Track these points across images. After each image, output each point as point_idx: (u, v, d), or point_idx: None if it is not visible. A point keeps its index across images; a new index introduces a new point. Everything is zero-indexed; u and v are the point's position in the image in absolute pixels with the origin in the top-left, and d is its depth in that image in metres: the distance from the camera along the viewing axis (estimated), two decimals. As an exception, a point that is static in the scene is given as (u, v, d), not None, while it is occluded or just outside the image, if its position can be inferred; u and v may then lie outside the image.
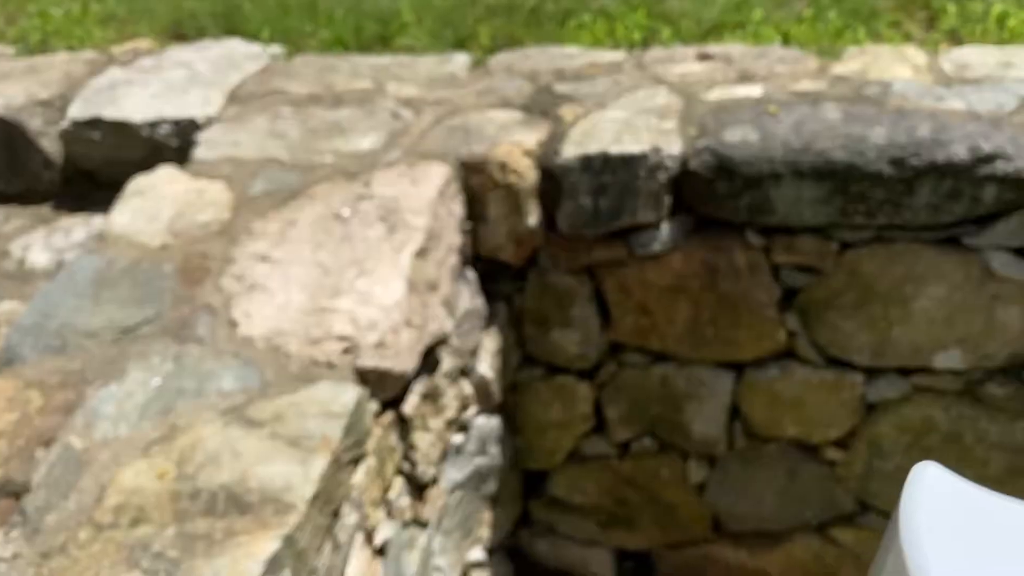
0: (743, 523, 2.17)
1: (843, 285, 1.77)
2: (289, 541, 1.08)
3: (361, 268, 1.49)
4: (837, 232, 1.71)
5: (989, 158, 1.56)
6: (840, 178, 1.62)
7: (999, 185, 1.56)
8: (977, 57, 1.96)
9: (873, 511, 2.08)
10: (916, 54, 2.01)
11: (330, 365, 1.33)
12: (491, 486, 2.03)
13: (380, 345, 1.37)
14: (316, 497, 1.16)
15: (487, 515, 2.06)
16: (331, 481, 1.21)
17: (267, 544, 1.05)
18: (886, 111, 1.70)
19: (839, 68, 1.97)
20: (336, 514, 1.26)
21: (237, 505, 1.10)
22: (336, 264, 1.51)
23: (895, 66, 1.94)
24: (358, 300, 1.42)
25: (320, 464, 1.18)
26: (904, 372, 1.86)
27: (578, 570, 2.38)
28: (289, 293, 1.47)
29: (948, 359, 1.80)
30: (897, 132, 1.61)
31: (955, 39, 2.16)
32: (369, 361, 1.34)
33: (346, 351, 1.35)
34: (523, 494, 2.28)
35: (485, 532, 2.07)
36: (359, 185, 1.69)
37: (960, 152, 1.57)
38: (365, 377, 1.34)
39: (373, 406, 1.37)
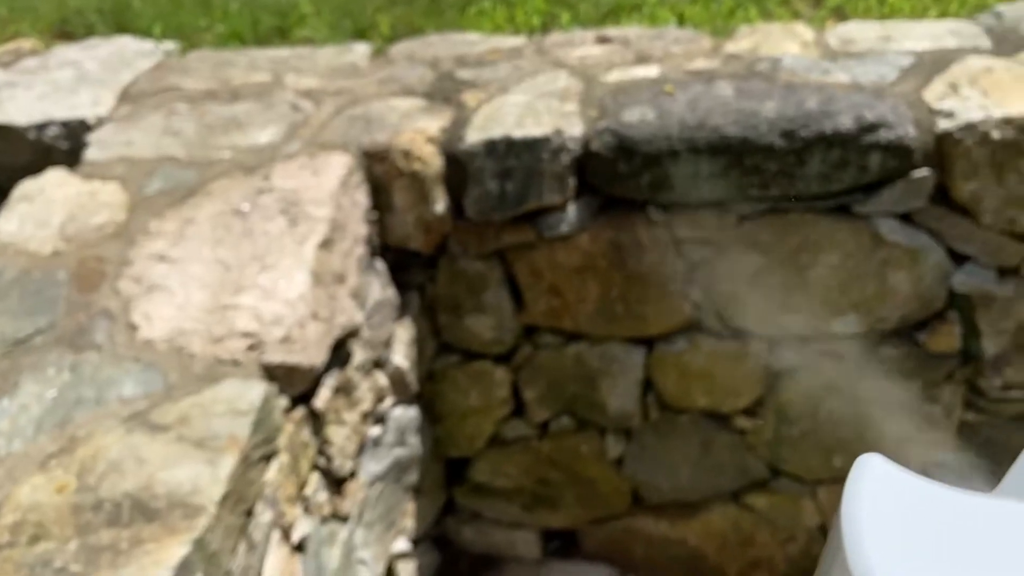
0: (662, 495, 2.22)
1: (744, 257, 1.82)
2: (199, 544, 1.06)
3: (263, 263, 1.46)
4: (735, 205, 1.77)
5: (873, 127, 1.62)
6: (734, 152, 1.66)
7: (883, 153, 1.64)
8: (860, 32, 2.04)
9: (784, 476, 2.16)
10: (804, 30, 2.08)
11: (235, 363, 1.31)
12: (412, 476, 2.03)
13: (286, 340, 1.35)
14: (226, 497, 1.14)
15: (410, 506, 2.06)
16: (242, 480, 1.19)
17: (176, 549, 1.03)
18: (776, 86, 1.75)
19: (731, 46, 2.02)
20: (250, 513, 1.24)
21: (143, 513, 1.07)
22: (237, 260, 1.48)
23: (784, 42, 2.01)
24: (261, 295, 1.40)
25: (229, 463, 1.16)
26: (805, 339, 1.93)
27: (505, 553, 2.40)
28: (190, 292, 1.43)
29: (845, 324, 1.88)
30: (787, 105, 1.66)
31: (840, 15, 2.25)
32: (275, 356, 1.32)
33: (251, 348, 1.32)
34: (446, 482, 2.28)
35: (409, 523, 2.06)
36: (259, 179, 1.66)
37: (846, 122, 1.63)
38: (272, 373, 1.32)
39: (282, 402, 1.35)
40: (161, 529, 1.05)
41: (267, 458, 1.29)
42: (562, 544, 2.41)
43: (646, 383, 2.05)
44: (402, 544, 2.02)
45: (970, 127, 1.62)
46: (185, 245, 1.54)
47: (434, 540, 2.30)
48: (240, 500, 1.19)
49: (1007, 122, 1.61)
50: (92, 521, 1.05)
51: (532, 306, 1.99)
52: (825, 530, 2.29)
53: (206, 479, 1.12)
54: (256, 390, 1.27)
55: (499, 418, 2.18)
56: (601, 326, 1.99)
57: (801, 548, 2.30)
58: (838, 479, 2.19)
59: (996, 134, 1.61)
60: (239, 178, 1.70)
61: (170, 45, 2.46)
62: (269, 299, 1.40)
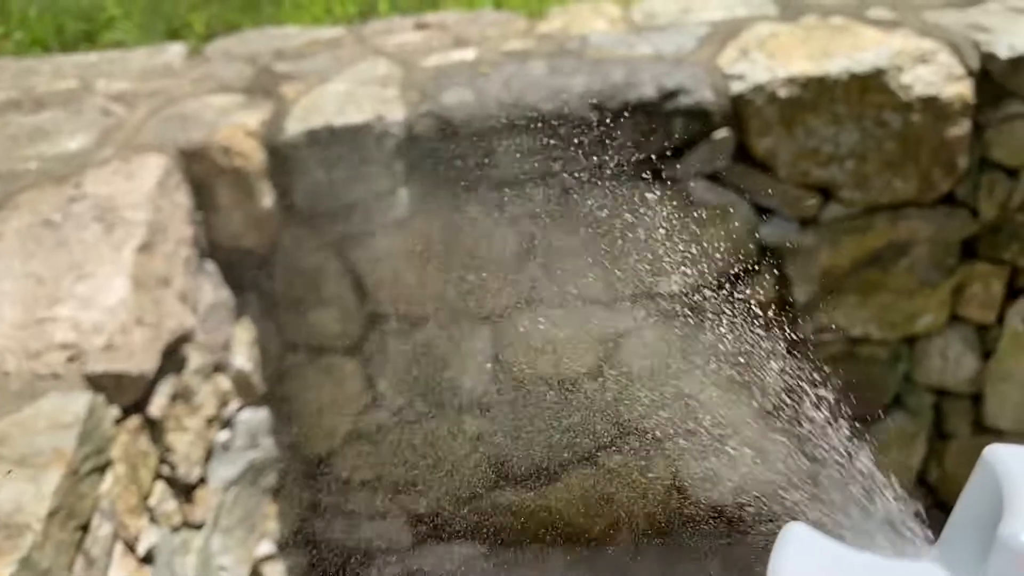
0: (522, 465, 2.28)
1: (572, 228, 1.90)
2: (26, 563, 1.02)
3: (80, 272, 1.41)
4: (558, 178, 1.84)
5: (673, 93, 1.73)
6: (550, 126, 1.73)
7: (685, 117, 1.75)
8: (662, 6, 2.15)
9: (630, 433, 2.27)
10: (611, 8, 2.18)
11: (55, 376, 1.26)
12: (270, 478, 2.00)
13: (109, 348, 1.31)
14: (54, 513, 1.10)
15: (271, 508, 2.03)
16: (71, 495, 1.15)
17: (0, 571, 0.99)
18: (585, 62, 1.83)
19: (544, 27, 2.09)
20: (85, 528, 1.20)
21: (-40, 538, 1.02)
22: (51, 272, 1.42)
23: (593, 20, 2.10)
24: (79, 305, 1.35)
25: (54, 479, 1.12)
26: (635, 301, 2.03)
27: (376, 544, 2.40)
28: (1, 310, 1.36)
29: (669, 284, 1.99)
30: (594, 79, 1.75)
31: (645, -8, 2.36)
32: (99, 366, 1.28)
33: (71, 359, 1.28)
34: (309, 480, 2.26)
35: (272, 525, 2.04)
36: (70, 187, 1.59)
37: (649, 91, 1.73)
38: (97, 383, 1.28)
39: (113, 412, 1.31)
40: (-19, 552, 1.00)
41: (100, 470, 1.25)
42: (432, 528, 2.44)
43: (495, 358, 2.11)
44: (266, 547, 1.99)
45: (759, 88, 1.75)
46: (-8, 262, 1.46)
47: (302, 540, 2.27)
48: (71, 515, 1.15)
49: (791, 81, 1.75)
50: (-99, 554, 0.99)
51: (375, 294, 2.00)
52: (678, 485, 2.43)
53: (30, 497, 1.08)
54: (80, 401, 1.23)
55: (355, 411, 2.18)
56: (446, 307, 2.02)
57: (658, 502, 2.42)
58: (682, 433, 2.33)
59: (782, 92, 1.75)
60: (49, 188, 1.62)
61: (-37, 56, 2.31)
62: (88, 308, 1.35)
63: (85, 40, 2.47)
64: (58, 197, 1.59)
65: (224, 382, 1.77)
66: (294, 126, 1.74)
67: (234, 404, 1.82)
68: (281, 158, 1.75)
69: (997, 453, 0.30)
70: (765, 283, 2.02)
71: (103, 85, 2.04)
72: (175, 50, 2.22)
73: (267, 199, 1.77)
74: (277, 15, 2.39)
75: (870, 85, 1.78)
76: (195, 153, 1.70)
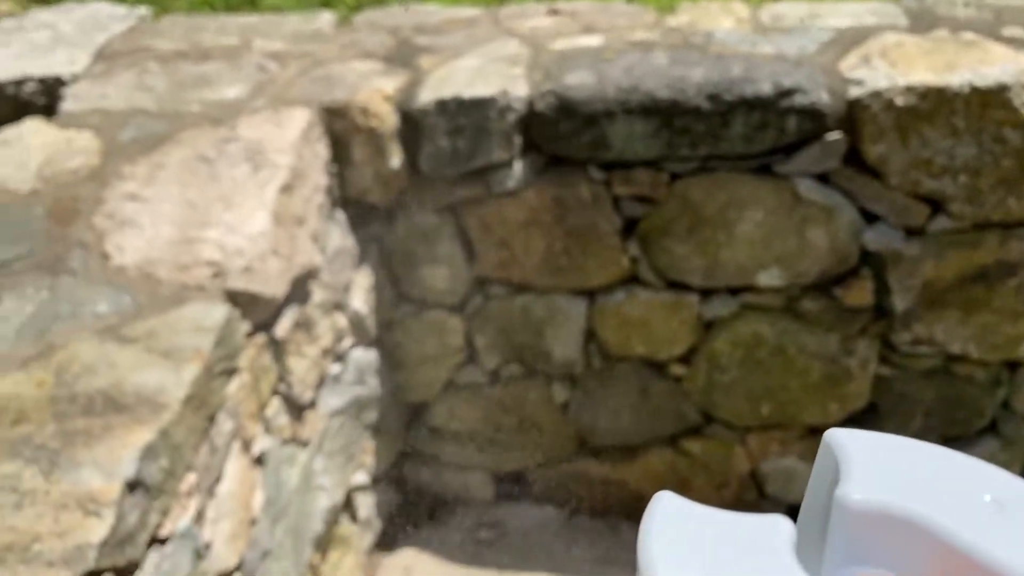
0: (604, 439, 2.38)
1: (675, 213, 1.98)
2: (164, 434, 1.20)
3: (228, 203, 1.60)
4: (667, 164, 1.92)
5: (789, 92, 1.78)
6: (665, 114, 1.82)
7: (799, 116, 1.79)
8: (791, 10, 2.19)
9: (716, 422, 2.32)
10: (740, 8, 2.24)
11: (200, 288, 1.45)
12: (371, 415, 2.17)
13: (248, 270, 1.48)
14: (189, 399, 1.28)
15: (369, 443, 2.20)
16: (204, 388, 1.33)
17: (143, 435, 1.17)
18: (707, 55, 1.91)
19: (672, 21, 2.17)
20: (212, 420, 1.38)
21: (114, 406, 1.21)
22: (204, 200, 1.61)
23: (721, 18, 2.16)
24: (225, 231, 1.54)
25: (192, 371, 1.29)
26: (733, 291, 2.09)
27: (460, 495, 2.55)
28: (159, 227, 1.57)
29: (769, 277, 2.04)
30: (713, 72, 1.82)
31: (777, -5, 2.40)
32: (238, 283, 1.46)
33: (215, 275, 1.46)
34: (406, 425, 2.43)
35: (368, 459, 2.21)
36: (225, 130, 1.79)
37: (765, 88, 1.79)
38: (235, 299, 1.46)
39: (244, 326, 1.49)
40: (130, 419, 1.18)
41: (228, 373, 1.43)
42: (513, 487, 2.57)
43: (588, 332, 2.21)
44: (361, 478, 2.17)
45: (877, 94, 1.78)
46: (155, 187, 1.67)
47: (393, 479, 2.44)
48: (202, 405, 1.33)
49: (909, 89, 1.77)
50: (68, 410, 1.18)
51: (483, 258, 2.13)
52: (755, 476, 2.47)
53: (171, 382, 1.26)
54: (219, 311, 1.41)
55: (453, 365, 2.32)
56: (546, 278, 2.14)
57: (734, 493, 2.47)
58: (766, 426, 2.37)
59: (900, 100, 1.78)
60: (207, 129, 1.82)
61: (143, 10, 2.58)
62: (233, 234, 1.54)
63: (248, 3, 2.70)
64: (214, 137, 1.79)
65: (341, 320, 1.94)
66: (426, 94, 1.89)
67: (348, 341, 2.00)
68: (412, 123, 1.90)
69: (835, 435, 0.33)
70: (864, 288, 2.04)
71: (260, 44, 2.25)
72: (326, 18, 2.41)
73: (396, 159, 1.93)
74: (422, -8, 2.55)
75: (992, 101, 1.78)
76: (336, 111, 1.88)
